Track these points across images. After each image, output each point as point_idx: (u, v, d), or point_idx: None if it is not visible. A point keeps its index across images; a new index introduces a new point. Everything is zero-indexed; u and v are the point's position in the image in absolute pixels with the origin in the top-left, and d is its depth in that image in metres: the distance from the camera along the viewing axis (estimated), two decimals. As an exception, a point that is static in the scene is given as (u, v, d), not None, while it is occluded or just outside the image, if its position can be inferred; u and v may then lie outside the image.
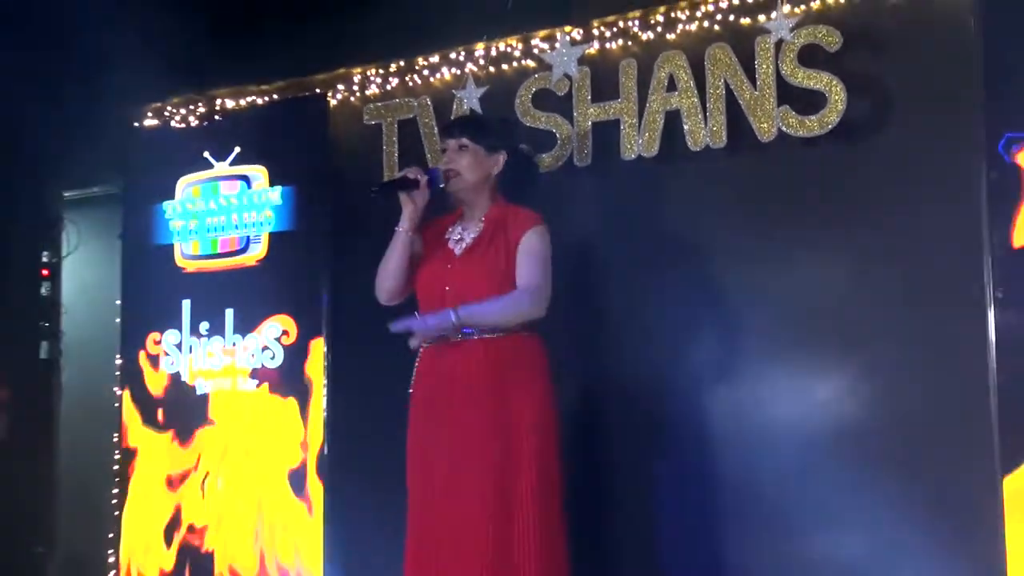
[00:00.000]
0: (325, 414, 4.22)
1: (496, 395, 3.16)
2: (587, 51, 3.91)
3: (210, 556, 4.40)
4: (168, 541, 4.49)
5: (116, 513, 4.60)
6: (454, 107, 4.07)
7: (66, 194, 5.34)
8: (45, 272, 5.26)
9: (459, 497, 3.11)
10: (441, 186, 3.27)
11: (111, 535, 4.62)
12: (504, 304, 3.17)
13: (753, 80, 3.61)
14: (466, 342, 3.18)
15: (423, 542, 3.18)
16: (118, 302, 4.76)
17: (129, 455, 4.62)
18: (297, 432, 4.25)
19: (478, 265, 3.24)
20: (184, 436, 4.50)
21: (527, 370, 3.20)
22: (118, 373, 4.70)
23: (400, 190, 3.26)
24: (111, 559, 4.60)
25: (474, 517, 3.09)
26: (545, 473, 3.14)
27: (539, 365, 3.23)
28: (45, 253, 5.27)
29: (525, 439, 3.14)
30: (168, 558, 4.47)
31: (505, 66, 4.08)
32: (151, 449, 4.56)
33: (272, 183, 4.41)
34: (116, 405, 4.69)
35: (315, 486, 4.19)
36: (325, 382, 4.23)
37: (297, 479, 4.23)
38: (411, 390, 3.28)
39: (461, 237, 3.31)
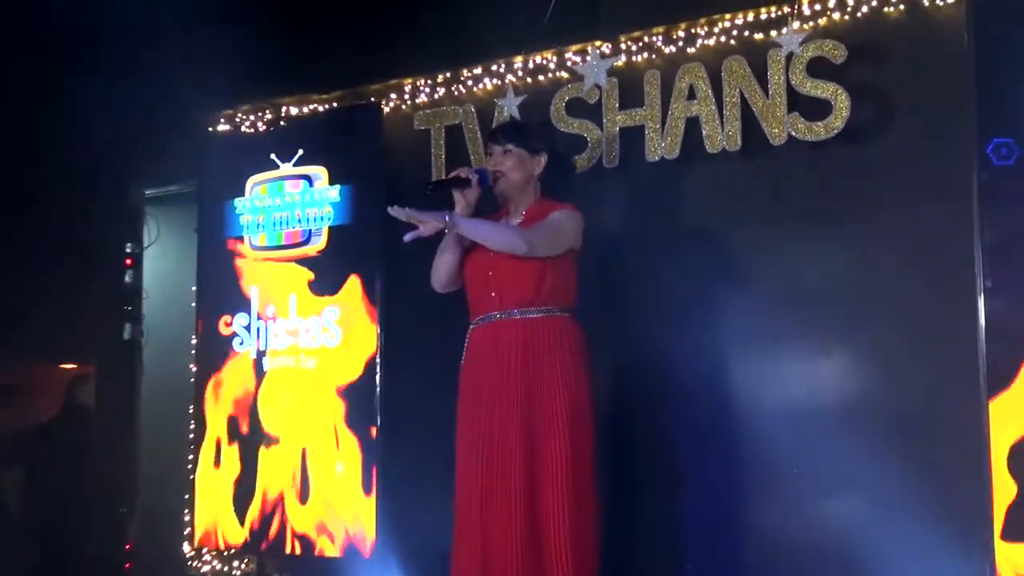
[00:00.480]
0: (379, 390, 4.21)
1: (529, 372, 3.15)
2: (615, 63, 3.93)
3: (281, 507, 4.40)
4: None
5: (191, 477, 4.64)
6: (495, 114, 4.10)
7: (147, 192, 5.36)
8: (128, 261, 5.24)
9: (496, 467, 3.12)
10: (490, 185, 3.28)
11: (187, 496, 4.66)
12: (498, 230, 3.20)
13: (765, 89, 3.63)
14: (509, 321, 3.18)
15: (468, 509, 3.18)
16: (193, 288, 4.80)
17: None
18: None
19: None
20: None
21: (564, 350, 3.19)
22: (193, 352, 4.76)
23: (453, 188, 3.29)
24: (187, 517, 4.65)
25: (508, 489, 3.08)
26: (576, 443, 3.12)
27: (576, 345, 3.22)
28: (128, 244, 5.26)
29: (560, 415, 3.12)
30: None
31: (541, 77, 4.11)
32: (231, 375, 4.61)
33: (332, 182, 4.43)
34: (191, 380, 4.73)
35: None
36: (379, 360, 4.22)
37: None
38: (462, 364, 3.29)
39: None
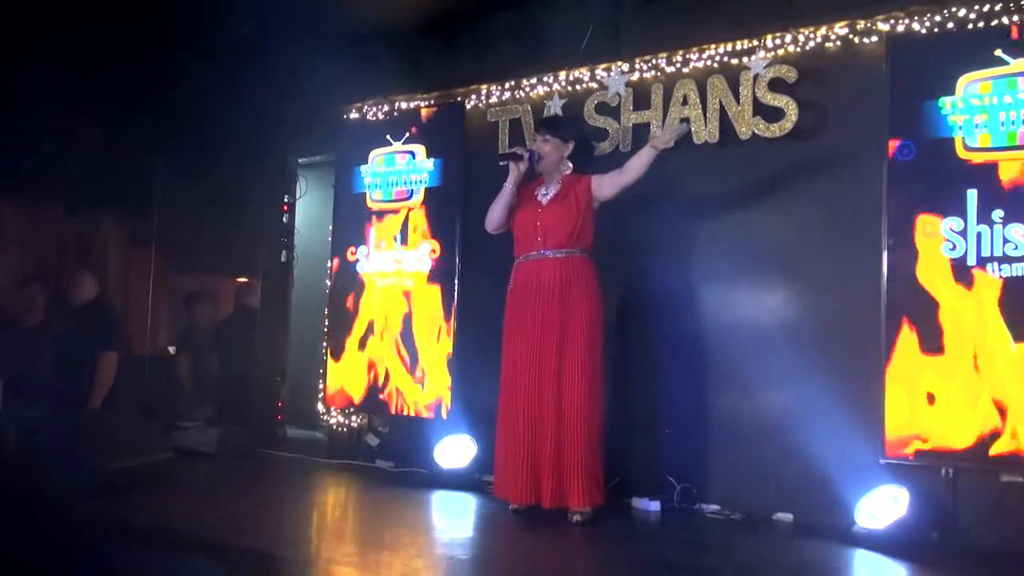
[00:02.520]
0: (455, 301, 4.31)
1: (563, 296, 3.27)
2: (631, 78, 3.99)
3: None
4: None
5: (325, 357, 4.76)
6: (545, 111, 4.19)
7: (300, 160, 5.50)
8: (285, 208, 5.43)
9: (534, 359, 3.27)
10: (536, 162, 3.42)
11: (321, 370, 4.80)
12: (643, 165, 3.29)
13: (737, 99, 3.70)
14: (546, 260, 3.28)
15: (514, 386, 3.30)
16: (330, 227, 4.90)
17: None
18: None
19: (558, 209, 3.36)
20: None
21: (586, 280, 3.31)
22: (328, 271, 4.83)
23: (510, 160, 3.46)
24: (320, 385, 4.81)
25: (545, 372, 3.22)
26: (592, 347, 3.25)
27: (593, 278, 3.34)
28: (286, 196, 5.43)
29: (581, 325, 3.25)
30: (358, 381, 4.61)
31: (578, 86, 4.17)
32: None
33: (428, 156, 4.52)
34: (326, 291, 4.82)
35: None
36: (457, 282, 4.32)
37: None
38: (509, 288, 3.42)
39: (546, 192, 3.44)
